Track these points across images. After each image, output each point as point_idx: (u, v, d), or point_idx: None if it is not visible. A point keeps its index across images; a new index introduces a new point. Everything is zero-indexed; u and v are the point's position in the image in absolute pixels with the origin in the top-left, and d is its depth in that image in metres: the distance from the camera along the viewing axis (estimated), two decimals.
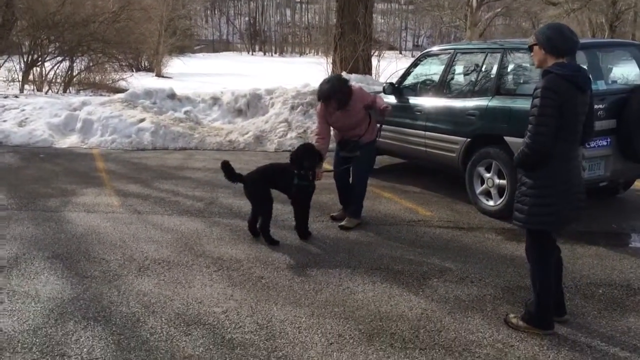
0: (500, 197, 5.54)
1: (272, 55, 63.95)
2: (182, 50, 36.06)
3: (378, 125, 5.49)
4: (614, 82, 5.56)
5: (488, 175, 5.64)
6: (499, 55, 5.72)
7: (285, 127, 9.45)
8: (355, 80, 10.97)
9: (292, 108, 9.87)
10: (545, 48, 3.22)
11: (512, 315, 3.53)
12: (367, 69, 11.95)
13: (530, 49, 3.34)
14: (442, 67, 6.42)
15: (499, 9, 26.81)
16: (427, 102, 6.38)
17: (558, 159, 3.19)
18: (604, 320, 3.59)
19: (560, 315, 3.51)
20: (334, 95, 5.04)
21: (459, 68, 6.31)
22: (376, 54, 13.18)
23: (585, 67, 5.08)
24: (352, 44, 11.51)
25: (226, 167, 4.91)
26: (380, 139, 7.04)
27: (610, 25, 24.83)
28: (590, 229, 5.30)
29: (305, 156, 4.88)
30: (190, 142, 9.25)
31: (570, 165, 3.23)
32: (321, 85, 5.17)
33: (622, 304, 3.82)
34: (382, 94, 7.16)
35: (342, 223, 5.34)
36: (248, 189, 4.95)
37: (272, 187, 4.99)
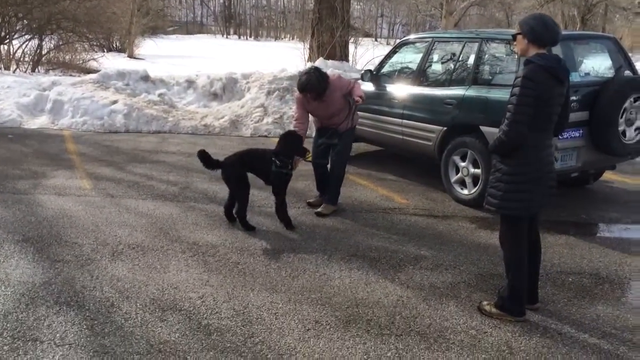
0: (475, 185, 5.61)
1: (247, 38, 63.16)
2: (154, 31, 35.35)
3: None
4: (587, 74, 5.64)
5: (463, 164, 5.70)
6: (476, 45, 5.76)
7: (261, 112, 9.38)
8: (332, 66, 10.94)
9: (269, 93, 9.79)
10: (528, 38, 3.28)
11: (485, 303, 3.60)
12: (344, 56, 11.92)
13: (513, 37, 3.40)
14: (420, 55, 6.43)
15: None
16: (405, 90, 6.40)
17: (532, 147, 3.27)
18: (574, 307, 3.68)
19: (533, 303, 3.59)
20: (310, 88, 5.05)
21: (436, 57, 6.33)
22: (352, 40, 13.12)
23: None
24: (330, 29, 11.44)
25: (203, 156, 4.86)
26: (357, 126, 7.08)
27: (582, 18, 25.27)
28: (561, 218, 5.42)
29: (295, 146, 4.87)
30: (165, 126, 9.11)
31: (543, 153, 3.31)
32: (300, 76, 5.21)
33: (591, 292, 3.92)
34: (359, 81, 7.17)
35: (319, 210, 5.34)
36: (226, 173, 4.91)
37: (249, 171, 4.95)
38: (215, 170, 4.98)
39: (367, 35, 44.00)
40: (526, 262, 3.45)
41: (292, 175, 5.01)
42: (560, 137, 5.03)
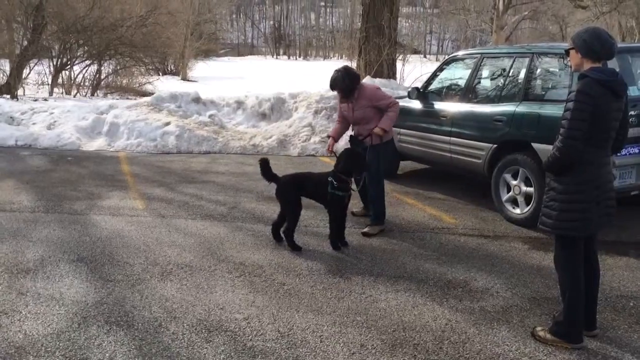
0: (527, 205, 5.42)
1: (296, 58, 64.19)
2: (207, 53, 36.44)
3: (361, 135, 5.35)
4: None
5: (515, 182, 5.53)
6: (527, 60, 5.61)
7: (308, 131, 9.44)
8: (379, 84, 10.91)
9: (316, 112, 9.86)
10: (582, 52, 3.20)
11: (539, 328, 3.44)
12: (391, 73, 11.87)
13: (566, 52, 3.33)
14: (469, 71, 6.32)
15: (526, 12, 26.42)
16: (453, 107, 6.30)
17: (589, 165, 3.16)
18: (636, 334, 3.47)
19: (591, 329, 3.41)
20: (334, 85, 5.28)
21: (485, 73, 6.21)
22: (400, 58, 13.08)
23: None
24: (377, 48, 11.43)
25: (264, 164, 4.92)
26: (402, 144, 7.01)
27: None
28: (620, 239, 5.16)
29: (354, 163, 4.83)
30: (214, 146, 9.29)
31: (601, 171, 3.20)
32: (332, 74, 5.38)
33: None
34: (406, 99, 7.12)
35: (365, 230, 5.29)
36: (280, 190, 4.94)
37: (304, 194, 4.96)
38: (270, 183, 5.01)
39: (416, 52, 43.87)
40: (583, 285, 3.28)
41: (351, 195, 4.96)
42: (618, 154, 4.86)
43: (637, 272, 4.41)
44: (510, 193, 5.60)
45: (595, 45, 3.15)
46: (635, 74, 5.31)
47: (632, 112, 4.90)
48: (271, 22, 74.18)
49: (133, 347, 3.29)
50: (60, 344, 3.31)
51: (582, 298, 3.28)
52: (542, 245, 4.94)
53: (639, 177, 5.06)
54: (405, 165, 7.68)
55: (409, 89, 7.07)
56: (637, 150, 4.99)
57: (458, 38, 61.36)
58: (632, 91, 5.10)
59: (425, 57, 42.23)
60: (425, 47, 59.66)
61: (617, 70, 4.87)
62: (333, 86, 5.31)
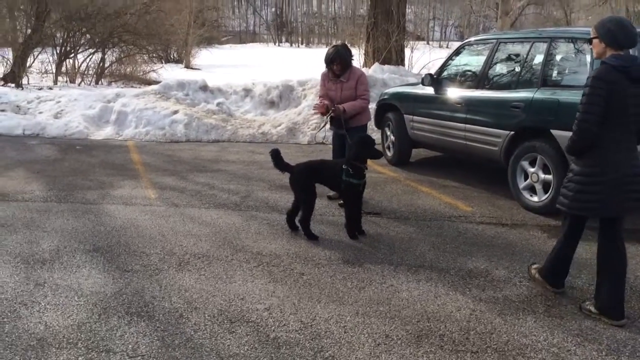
0: (546, 192, 5.35)
1: (298, 46, 63.81)
2: (209, 41, 36.19)
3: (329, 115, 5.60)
4: None
5: (532, 169, 5.46)
6: (545, 45, 5.51)
7: (318, 119, 9.33)
8: (388, 71, 10.82)
9: None
10: (605, 41, 3.27)
11: (587, 303, 3.56)
12: (400, 60, 11.75)
13: (589, 41, 3.42)
14: (484, 57, 6.22)
15: None
16: (468, 93, 6.21)
17: (605, 148, 3.25)
18: None
19: (619, 318, 3.37)
20: (338, 58, 5.42)
21: (501, 58, 6.11)
22: (408, 45, 12.95)
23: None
24: (385, 34, 11.31)
25: (276, 155, 4.86)
26: (415, 131, 6.94)
27: None
28: (638, 226, 5.09)
29: (368, 150, 4.77)
30: (223, 134, 9.22)
31: (620, 155, 3.25)
32: (328, 50, 5.62)
33: None
34: (420, 85, 7.04)
35: (342, 201, 5.35)
36: (294, 179, 4.88)
37: (318, 182, 4.91)
38: (283, 173, 4.95)
39: (419, 38, 43.53)
40: (569, 249, 3.63)
41: (366, 183, 4.92)
42: None
43: None
44: (528, 181, 5.53)
45: (619, 34, 3.23)
46: None
47: None
48: (273, 9, 73.65)
49: (155, 338, 3.25)
50: (82, 335, 3.27)
51: (564, 257, 3.67)
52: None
53: None
54: (417, 153, 7.61)
55: (423, 76, 6.98)
56: None
57: (461, 24, 60.91)
58: None
59: (428, 43, 41.89)
60: (429, 33, 59.19)
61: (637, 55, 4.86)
62: (333, 60, 5.43)
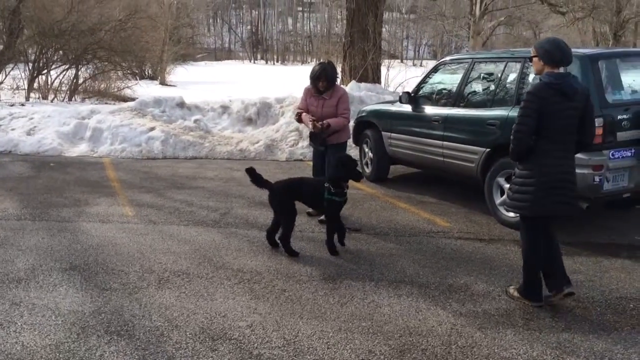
0: None
1: (274, 63, 64.11)
2: (185, 58, 36.13)
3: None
4: (636, 92, 5.48)
5: (508, 185, 5.55)
6: (519, 65, 5.66)
7: (296, 135, 9.39)
8: (365, 89, 10.94)
9: None
10: (544, 60, 3.67)
11: (511, 287, 4.03)
12: (376, 78, 11.90)
13: (530, 59, 3.84)
14: (460, 76, 6.35)
15: (502, 18, 26.82)
16: (445, 111, 6.32)
17: (539, 155, 3.64)
18: (639, 336, 3.50)
19: (567, 285, 3.77)
20: (325, 74, 5.49)
21: (477, 77, 6.25)
22: (385, 63, 13.13)
23: (604, 76, 5.08)
24: (362, 52, 11.46)
25: (252, 173, 4.86)
26: (394, 149, 7.03)
27: (615, 34, 24.84)
28: (613, 240, 5.23)
29: (351, 170, 4.86)
30: (201, 151, 9.19)
31: (552, 161, 3.64)
32: (314, 66, 5.72)
33: None
34: (397, 103, 7.14)
35: (322, 217, 5.45)
36: (274, 196, 4.88)
37: (298, 199, 4.93)
38: (262, 189, 4.94)
39: (393, 56, 44.11)
40: (541, 254, 3.81)
41: (347, 200, 4.96)
42: (611, 157, 4.94)
43: (634, 273, 4.46)
44: (504, 197, 5.62)
45: (555, 53, 3.63)
46: (625, 78, 5.40)
47: (623, 116, 5.00)
48: (248, 27, 73.95)
49: (136, 357, 3.21)
50: (61, 355, 3.20)
51: (539, 264, 3.82)
52: None
53: (631, 180, 5.12)
54: (395, 170, 7.69)
55: (400, 94, 7.09)
56: (629, 154, 5.06)
57: (434, 43, 61.99)
58: (624, 95, 5.20)
59: (402, 62, 42.51)
60: (402, 52, 60.06)
61: (604, 75, 5.07)
62: (319, 76, 5.50)
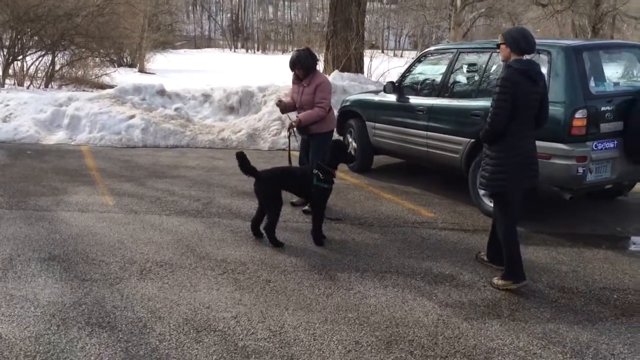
0: None
1: (254, 52, 63.54)
2: (164, 45, 35.50)
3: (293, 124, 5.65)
4: (618, 84, 5.52)
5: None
6: None
7: (279, 125, 9.30)
8: (348, 79, 10.89)
9: None
10: (511, 47, 3.90)
11: (495, 279, 4.07)
12: (359, 68, 11.84)
13: (497, 46, 4.05)
14: (445, 66, 6.33)
15: (482, 10, 26.89)
16: (430, 101, 6.30)
17: (511, 136, 3.87)
18: (623, 326, 3.53)
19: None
20: (298, 62, 5.48)
21: (462, 68, 6.23)
22: (368, 53, 13.07)
23: (587, 68, 5.11)
24: (345, 42, 11.39)
25: (242, 158, 4.72)
26: (378, 139, 7.00)
27: (593, 27, 25.14)
28: (595, 231, 5.28)
29: (342, 154, 4.91)
30: (182, 140, 9.05)
31: (522, 142, 3.91)
32: (292, 53, 5.72)
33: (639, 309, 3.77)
34: (381, 93, 7.10)
35: (306, 207, 5.46)
36: (260, 185, 4.79)
37: (285, 188, 4.89)
38: (248, 177, 4.83)
39: (374, 47, 44.00)
40: (517, 233, 4.01)
41: (332, 188, 4.93)
42: (594, 148, 4.97)
43: (616, 264, 4.51)
44: None
45: (521, 42, 3.86)
46: (608, 70, 5.43)
47: (607, 108, 5.03)
48: (228, 15, 73.09)
49: (119, 349, 3.14)
50: (40, 348, 3.12)
51: (517, 241, 3.98)
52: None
53: (614, 171, 5.16)
54: (379, 160, 7.66)
55: (385, 83, 7.04)
56: (611, 145, 5.09)
57: (415, 34, 61.99)
58: (607, 87, 5.23)
59: (383, 52, 42.44)
60: (383, 42, 60.02)
61: (588, 67, 5.11)
62: (295, 64, 5.49)
